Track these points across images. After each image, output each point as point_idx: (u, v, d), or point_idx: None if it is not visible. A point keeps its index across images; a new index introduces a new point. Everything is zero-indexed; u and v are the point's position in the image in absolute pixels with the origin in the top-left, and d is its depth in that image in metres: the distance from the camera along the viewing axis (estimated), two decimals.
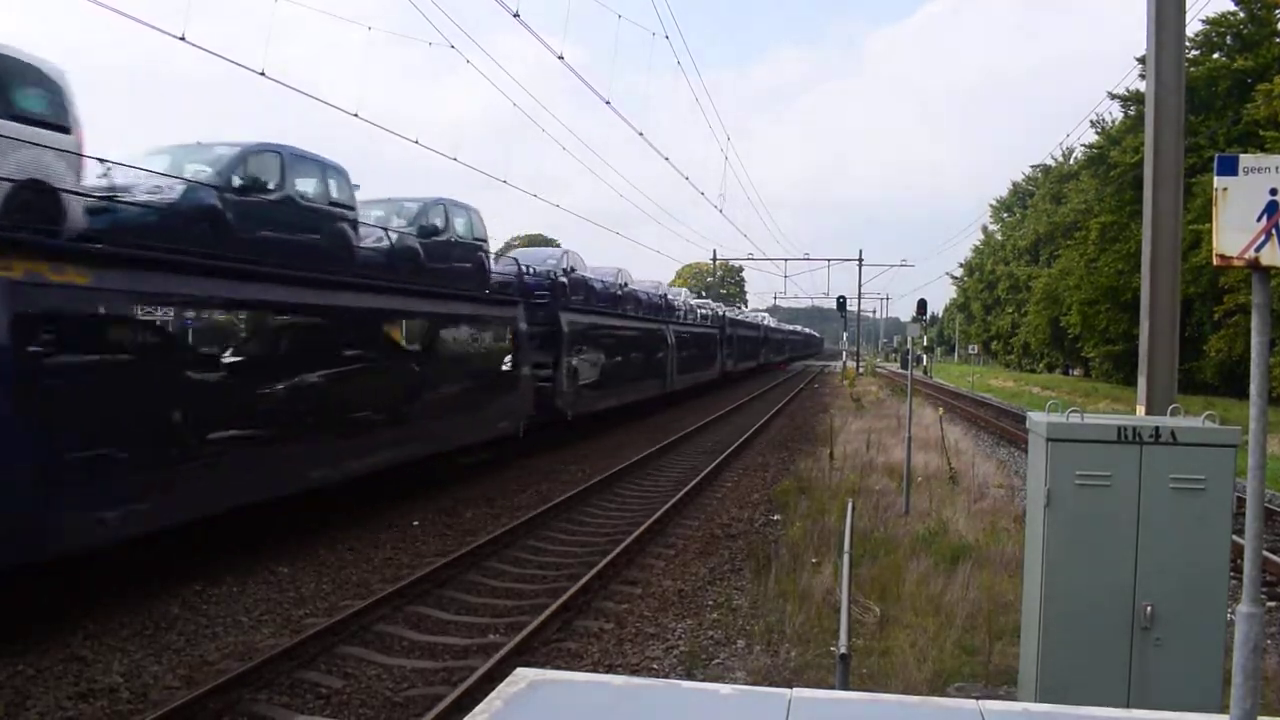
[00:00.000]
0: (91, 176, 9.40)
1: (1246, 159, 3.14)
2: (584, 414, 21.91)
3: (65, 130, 8.68)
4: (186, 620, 8.39)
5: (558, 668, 7.08)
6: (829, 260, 67.13)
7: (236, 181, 10.79)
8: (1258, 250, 3.09)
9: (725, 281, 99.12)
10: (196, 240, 9.91)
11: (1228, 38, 39.25)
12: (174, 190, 10.07)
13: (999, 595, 8.41)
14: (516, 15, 13.66)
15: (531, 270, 20.95)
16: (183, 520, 9.18)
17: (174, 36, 10.46)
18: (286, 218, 11.58)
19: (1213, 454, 4.93)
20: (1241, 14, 38.90)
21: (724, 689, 3.75)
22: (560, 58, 16.03)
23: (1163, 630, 4.90)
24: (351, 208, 13.20)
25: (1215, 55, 39.18)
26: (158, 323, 9.44)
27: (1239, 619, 3.10)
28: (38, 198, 8.16)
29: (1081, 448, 5.02)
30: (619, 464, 17.89)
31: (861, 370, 63.59)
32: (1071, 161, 63.74)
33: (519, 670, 3.32)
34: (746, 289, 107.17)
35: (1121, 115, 46.05)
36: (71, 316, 8.00)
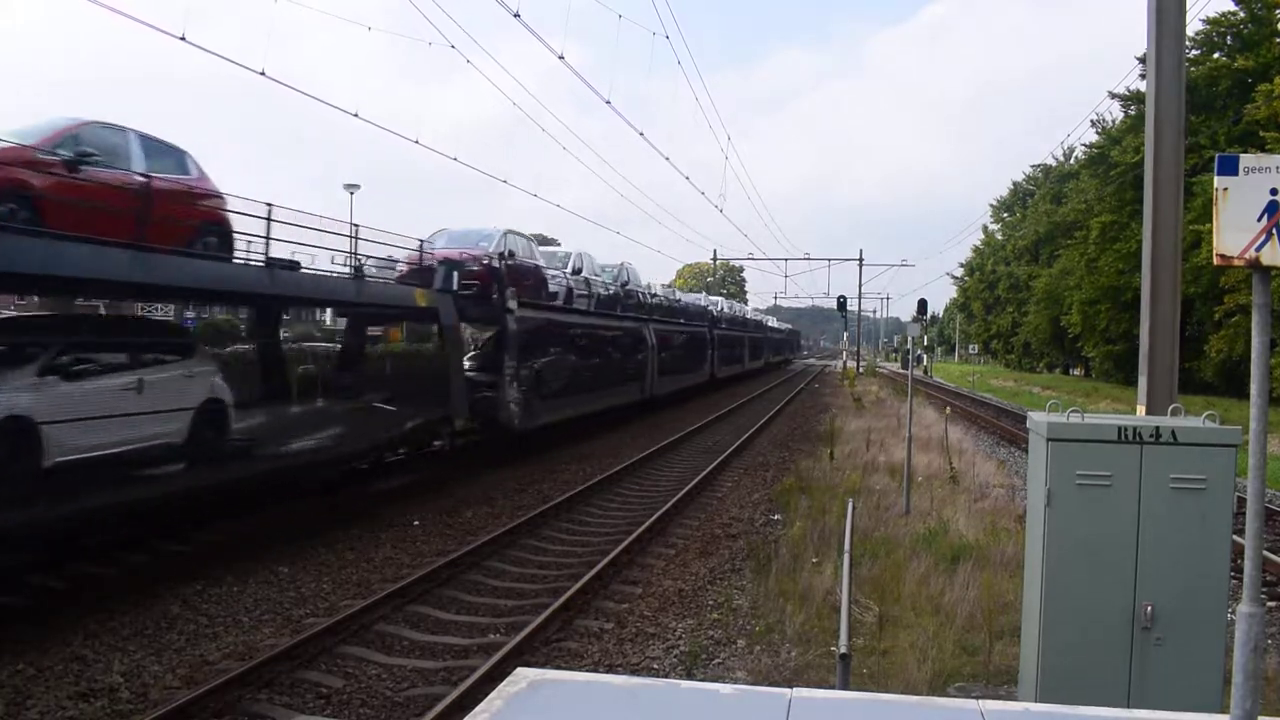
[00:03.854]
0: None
1: (1247, 159, 3.14)
2: None
3: None
4: (187, 620, 8.39)
5: (558, 668, 7.08)
6: (829, 260, 67.27)
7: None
8: (1258, 250, 3.09)
9: (726, 281, 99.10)
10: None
11: (1228, 38, 39.23)
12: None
13: (999, 595, 8.41)
14: (517, 15, 13.67)
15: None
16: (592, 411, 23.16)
17: (174, 36, 10.50)
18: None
19: (1213, 454, 4.92)
20: (1241, 14, 38.86)
21: (724, 689, 3.76)
22: (561, 58, 16.05)
23: (1163, 630, 4.89)
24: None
25: (1215, 55, 39.15)
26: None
27: (1239, 619, 3.10)
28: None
29: (1082, 448, 5.01)
30: (620, 463, 17.91)
31: (862, 370, 63.56)
32: (1072, 161, 63.64)
33: (519, 670, 3.32)
34: (747, 289, 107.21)
35: (1122, 115, 46.03)
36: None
